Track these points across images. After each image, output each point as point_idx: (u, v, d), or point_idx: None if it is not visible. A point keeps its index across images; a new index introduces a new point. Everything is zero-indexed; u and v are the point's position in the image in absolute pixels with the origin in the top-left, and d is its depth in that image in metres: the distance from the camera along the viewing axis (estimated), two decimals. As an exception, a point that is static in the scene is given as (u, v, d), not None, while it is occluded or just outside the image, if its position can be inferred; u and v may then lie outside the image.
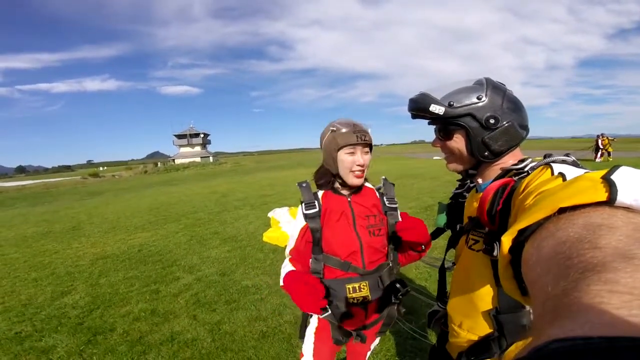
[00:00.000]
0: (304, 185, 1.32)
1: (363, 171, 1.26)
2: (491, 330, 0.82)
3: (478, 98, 0.81)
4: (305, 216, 1.27)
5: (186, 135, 66.62)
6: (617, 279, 0.23)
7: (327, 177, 1.31)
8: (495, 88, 0.83)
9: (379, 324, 1.38)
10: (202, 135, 67.81)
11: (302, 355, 1.39)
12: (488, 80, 0.83)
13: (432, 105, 0.81)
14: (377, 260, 1.30)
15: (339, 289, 1.26)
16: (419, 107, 0.85)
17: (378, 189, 1.43)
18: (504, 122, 0.81)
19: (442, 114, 0.81)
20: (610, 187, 0.34)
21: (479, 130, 0.81)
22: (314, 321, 1.38)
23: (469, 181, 1.11)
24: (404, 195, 8.75)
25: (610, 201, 0.33)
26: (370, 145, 1.28)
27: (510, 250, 0.40)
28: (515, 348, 0.76)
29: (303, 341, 1.40)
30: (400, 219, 1.35)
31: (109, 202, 12.97)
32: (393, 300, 1.31)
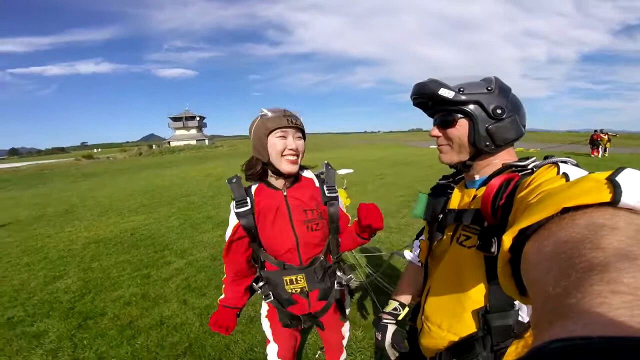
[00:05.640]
0: (233, 181, 1.23)
1: (297, 157, 1.18)
2: (475, 330, 0.80)
3: (488, 89, 0.81)
4: (237, 214, 1.20)
5: (182, 118, 65.87)
6: (619, 280, 0.22)
7: (258, 167, 1.21)
8: (502, 86, 0.83)
9: (330, 310, 1.38)
10: (197, 118, 67.14)
11: (268, 341, 1.43)
12: (496, 78, 0.84)
13: (442, 88, 0.80)
14: (314, 255, 1.29)
15: (277, 280, 1.28)
16: (426, 91, 0.83)
17: (320, 174, 1.35)
18: (510, 115, 0.81)
19: (451, 97, 0.80)
20: (615, 188, 0.33)
21: (485, 119, 0.81)
22: (264, 305, 1.41)
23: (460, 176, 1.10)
24: (395, 183, 8.77)
25: (614, 202, 0.32)
26: (302, 132, 1.21)
27: (510, 248, 0.40)
28: (514, 348, 0.75)
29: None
30: (341, 206, 1.33)
31: (103, 184, 12.90)
32: (337, 287, 1.34)
